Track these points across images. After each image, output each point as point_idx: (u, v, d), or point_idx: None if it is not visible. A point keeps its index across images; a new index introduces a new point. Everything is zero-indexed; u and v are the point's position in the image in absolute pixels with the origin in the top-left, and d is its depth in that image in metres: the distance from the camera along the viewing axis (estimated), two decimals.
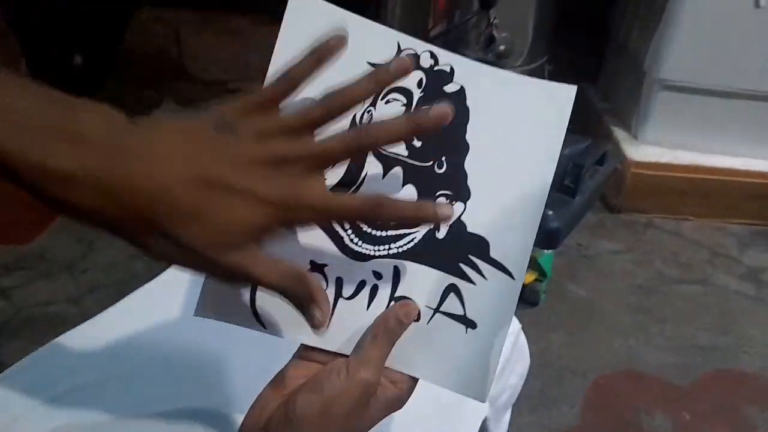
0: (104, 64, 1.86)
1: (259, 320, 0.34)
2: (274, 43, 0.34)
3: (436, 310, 0.34)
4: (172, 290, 0.51)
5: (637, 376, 1.13)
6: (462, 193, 0.34)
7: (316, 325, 0.31)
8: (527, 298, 1.25)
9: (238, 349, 0.46)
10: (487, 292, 0.33)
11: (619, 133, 1.61)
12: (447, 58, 0.35)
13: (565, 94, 0.35)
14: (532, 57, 1.46)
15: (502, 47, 1.34)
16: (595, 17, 1.78)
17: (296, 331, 0.33)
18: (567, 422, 1.03)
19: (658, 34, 1.47)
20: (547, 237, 1.04)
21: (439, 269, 0.34)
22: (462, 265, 0.34)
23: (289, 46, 0.34)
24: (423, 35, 1.40)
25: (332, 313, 0.34)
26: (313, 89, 0.31)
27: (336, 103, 0.30)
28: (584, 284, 1.33)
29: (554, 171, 0.34)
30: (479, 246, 0.34)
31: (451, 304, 0.34)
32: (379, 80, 0.31)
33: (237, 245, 0.29)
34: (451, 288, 0.34)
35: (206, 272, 0.31)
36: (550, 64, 1.52)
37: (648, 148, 1.55)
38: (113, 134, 0.27)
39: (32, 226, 1.32)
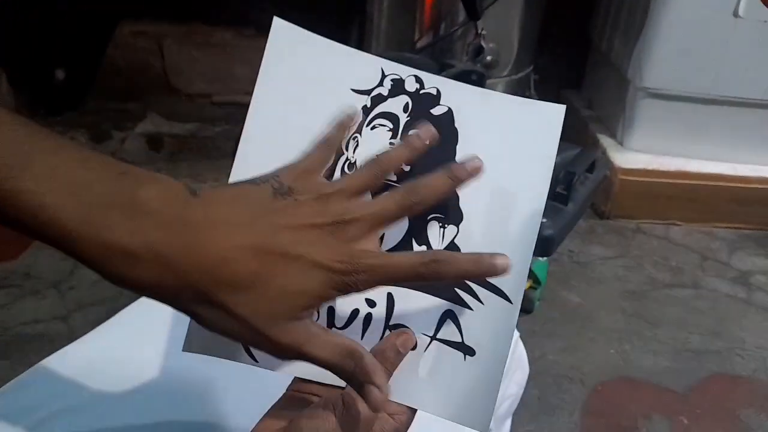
0: (86, 79, 1.84)
1: (250, 354, 0.33)
2: (258, 56, 0.34)
3: (433, 338, 0.33)
4: (160, 309, 0.50)
5: (633, 382, 1.13)
6: (454, 216, 0.33)
7: (374, 405, 0.28)
8: (522, 306, 1.24)
9: (228, 368, 0.45)
10: (485, 318, 0.32)
11: (606, 141, 1.63)
12: (433, 82, 0.35)
13: (555, 113, 0.34)
14: (518, 67, 1.47)
15: (489, 58, 1.35)
16: (578, 27, 1.81)
17: (289, 364, 0.32)
18: (567, 429, 1.03)
19: (640, 43, 1.49)
20: (541, 244, 1.02)
21: (434, 295, 0.33)
22: (458, 290, 0.33)
23: (271, 76, 0.35)
24: (409, 47, 1.41)
25: None
26: (303, 117, 0.34)
27: (379, 170, 0.32)
28: (577, 290, 1.34)
29: (547, 192, 0.33)
30: None
31: (449, 331, 0.32)
32: (413, 147, 0.32)
33: (292, 316, 0.28)
34: (448, 314, 0.33)
35: (257, 346, 0.30)
36: (535, 73, 1.53)
37: (634, 155, 1.56)
38: (174, 208, 0.27)
39: (16, 243, 1.29)
